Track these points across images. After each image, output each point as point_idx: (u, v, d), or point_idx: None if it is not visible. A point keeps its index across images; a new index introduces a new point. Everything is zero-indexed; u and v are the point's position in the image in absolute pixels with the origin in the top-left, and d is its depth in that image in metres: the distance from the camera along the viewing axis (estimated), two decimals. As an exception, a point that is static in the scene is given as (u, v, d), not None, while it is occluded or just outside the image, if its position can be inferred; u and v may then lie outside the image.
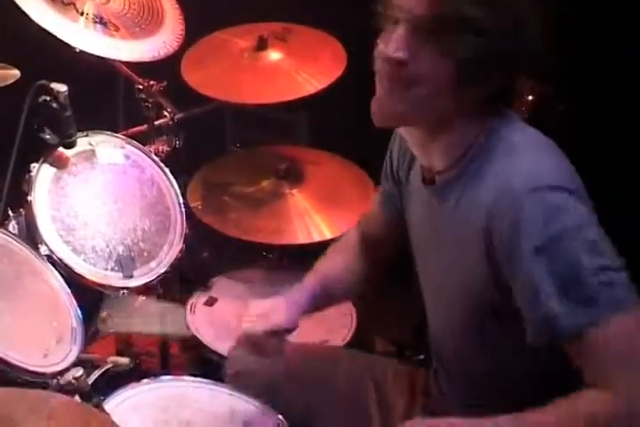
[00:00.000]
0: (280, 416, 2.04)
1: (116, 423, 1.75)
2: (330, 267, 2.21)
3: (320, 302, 2.16)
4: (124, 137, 2.66)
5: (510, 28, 1.62)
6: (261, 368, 2.13)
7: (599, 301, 1.58)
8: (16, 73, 2.21)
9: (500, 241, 1.65)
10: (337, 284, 2.18)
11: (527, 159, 1.67)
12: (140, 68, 2.88)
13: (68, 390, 1.94)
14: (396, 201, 2.05)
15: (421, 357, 2.78)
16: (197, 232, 2.70)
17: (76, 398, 1.95)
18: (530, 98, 2.93)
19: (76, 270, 2.31)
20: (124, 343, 2.69)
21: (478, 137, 1.73)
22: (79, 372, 1.96)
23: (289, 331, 2.08)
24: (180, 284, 2.74)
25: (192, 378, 2.14)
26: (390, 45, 1.66)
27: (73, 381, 1.94)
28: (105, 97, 3.18)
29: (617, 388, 1.58)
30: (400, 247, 2.12)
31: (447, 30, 1.61)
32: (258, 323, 2.06)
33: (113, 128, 2.71)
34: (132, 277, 2.40)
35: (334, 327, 2.63)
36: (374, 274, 2.23)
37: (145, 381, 2.07)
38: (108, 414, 1.89)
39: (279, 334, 2.06)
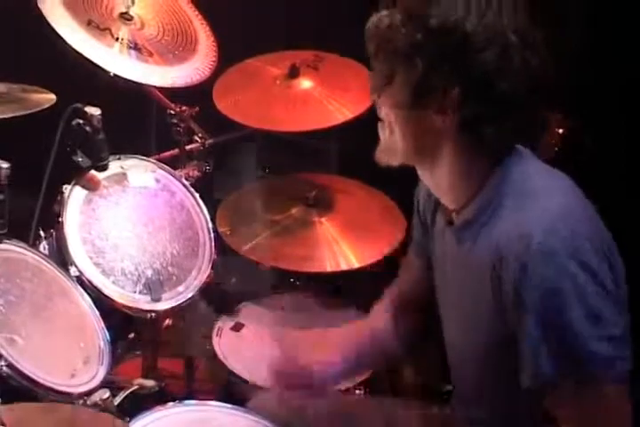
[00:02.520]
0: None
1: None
2: (375, 328, 2.15)
3: (363, 362, 2.14)
4: (155, 161, 2.68)
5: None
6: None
7: (588, 366, 1.60)
8: (52, 97, 2.23)
9: (508, 290, 1.66)
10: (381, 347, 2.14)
11: (538, 213, 1.66)
12: (173, 93, 2.90)
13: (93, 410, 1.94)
14: (425, 246, 2.04)
15: (449, 387, 2.76)
16: (225, 258, 2.70)
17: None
18: (560, 131, 2.93)
19: (104, 292, 2.31)
20: (150, 366, 2.68)
21: (489, 178, 1.73)
22: (106, 393, 1.96)
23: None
24: (207, 309, 2.74)
25: (216, 403, 2.13)
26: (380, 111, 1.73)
27: (99, 402, 1.94)
28: (137, 121, 3.21)
29: None
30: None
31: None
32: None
33: (144, 152, 2.72)
34: (159, 300, 2.40)
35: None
36: (412, 330, 2.20)
37: (170, 404, 2.07)
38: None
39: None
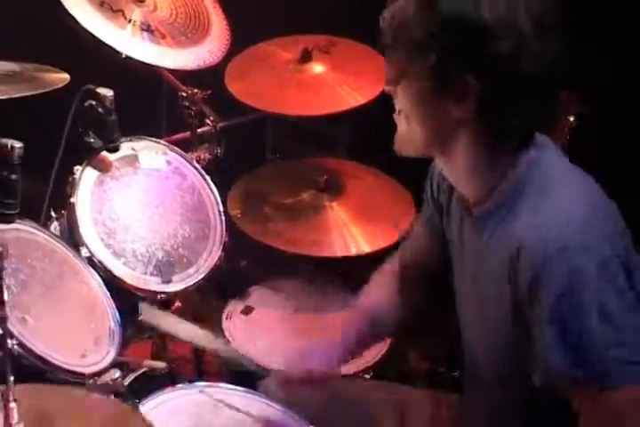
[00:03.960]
0: (313, 427, 2.03)
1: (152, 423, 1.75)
2: (373, 303, 2.17)
3: (363, 340, 2.14)
4: (166, 143, 2.67)
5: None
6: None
7: (603, 371, 1.59)
8: (66, 77, 2.23)
9: (523, 285, 1.65)
10: (381, 322, 2.15)
11: (557, 209, 1.65)
12: (185, 76, 2.90)
13: (104, 391, 1.94)
14: (437, 225, 2.04)
15: (455, 373, 2.77)
16: (236, 241, 2.70)
17: (112, 398, 1.96)
18: (572, 119, 2.92)
19: (115, 273, 2.32)
20: (160, 348, 2.68)
21: (508, 170, 1.71)
22: (117, 374, 1.96)
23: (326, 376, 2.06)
24: (217, 292, 2.74)
25: (226, 385, 2.13)
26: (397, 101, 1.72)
27: (110, 382, 1.94)
28: (148, 104, 3.20)
29: None
30: (440, 268, 2.11)
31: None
32: (291, 367, 2.06)
33: (154, 134, 2.72)
34: (170, 282, 2.40)
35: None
36: (418, 302, 2.20)
37: (180, 386, 2.07)
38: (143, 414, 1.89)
39: (315, 377, 2.05)
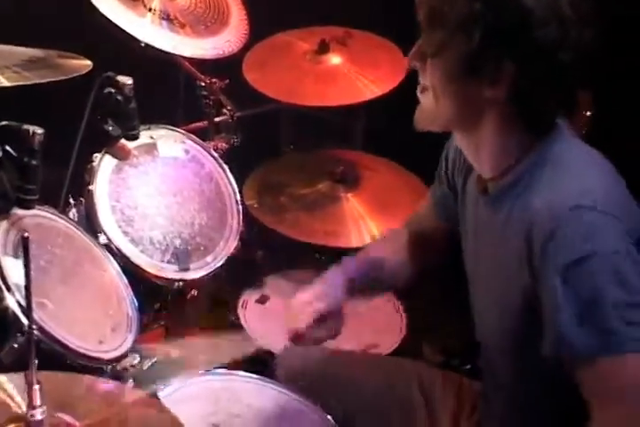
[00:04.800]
0: (329, 417, 2.04)
1: (170, 410, 1.75)
2: (379, 252, 2.19)
3: (365, 284, 2.12)
4: (184, 132, 2.68)
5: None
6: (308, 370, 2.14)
7: (617, 334, 1.57)
8: (88, 64, 2.23)
9: (537, 251, 1.65)
10: (384, 269, 2.15)
11: (576, 177, 1.67)
12: (203, 65, 2.90)
13: (123, 376, 1.95)
14: (448, 203, 2.04)
15: (468, 366, 2.77)
16: (252, 231, 2.71)
17: (130, 384, 1.97)
18: (588, 114, 2.92)
19: (133, 261, 2.32)
20: (173, 335, 2.68)
21: (531, 148, 1.72)
22: (136, 359, 1.97)
23: (334, 315, 2.04)
24: (233, 281, 2.75)
25: (244, 373, 2.14)
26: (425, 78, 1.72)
27: (130, 367, 1.95)
28: (165, 92, 3.21)
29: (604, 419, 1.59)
30: (448, 250, 2.12)
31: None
32: (301, 315, 2.03)
33: (172, 123, 2.73)
34: (187, 270, 2.40)
35: (385, 332, 2.63)
36: (421, 271, 2.21)
37: (200, 372, 2.08)
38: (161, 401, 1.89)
39: (325, 319, 2.02)
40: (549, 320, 1.63)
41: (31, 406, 1.43)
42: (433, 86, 1.71)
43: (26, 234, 1.39)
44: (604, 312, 1.57)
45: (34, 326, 1.80)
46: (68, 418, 1.51)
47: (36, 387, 1.43)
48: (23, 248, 1.35)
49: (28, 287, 1.41)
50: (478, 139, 1.75)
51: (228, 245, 2.50)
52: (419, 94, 1.76)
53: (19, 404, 1.51)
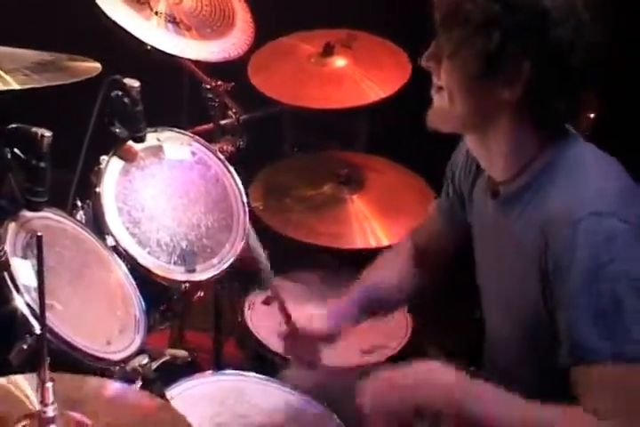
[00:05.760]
0: (336, 416, 2.05)
1: (177, 411, 1.76)
2: (379, 275, 2.22)
3: (369, 309, 2.18)
4: (191, 134, 2.69)
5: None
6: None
7: (635, 341, 1.58)
8: (97, 66, 2.24)
9: (553, 257, 1.65)
10: (386, 292, 2.20)
11: (591, 182, 1.67)
12: (209, 68, 2.92)
13: (132, 376, 1.96)
14: (455, 213, 2.05)
15: (472, 368, 2.78)
16: (257, 233, 2.71)
17: (139, 385, 1.98)
18: (592, 115, 2.93)
19: (140, 262, 2.33)
20: (177, 338, 2.70)
21: (542, 151, 1.73)
22: (145, 359, 1.98)
23: (329, 340, 2.09)
24: (239, 282, 2.76)
25: (253, 374, 2.15)
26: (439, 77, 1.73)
27: (139, 368, 1.96)
28: (171, 95, 3.23)
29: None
30: (455, 258, 2.13)
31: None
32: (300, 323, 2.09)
33: (177, 126, 2.74)
34: (194, 271, 2.41)
35: (390, 333, 2.65)
36: (429, 283, 2.23)
37: (208, 373, 2.09)
38: (168, 401, 1.91)
39: (320, 341, 2.09)
40: (565, 326, 1.64)
41: (44, 403, 1.44)
42: (448, 87, 1.72)
43: (39, 233, 1.41)
44: (622, 319, 1.58)
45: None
46: (78, 416, 1.52)
47: (49, 385, 1.44)
48: (37, 247, 1.37)
49: (40, 286, 1.42)
50: (490, 140, 1.76)
51: (234, 247, 2.51)
52: (433, 94, 1.76)
53: (32, 402, 1.52)
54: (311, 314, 2.13)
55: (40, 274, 1.37)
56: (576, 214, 1.62)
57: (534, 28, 1.62)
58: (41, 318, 1.45)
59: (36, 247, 1.33)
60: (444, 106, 1.74)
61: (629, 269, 1.59)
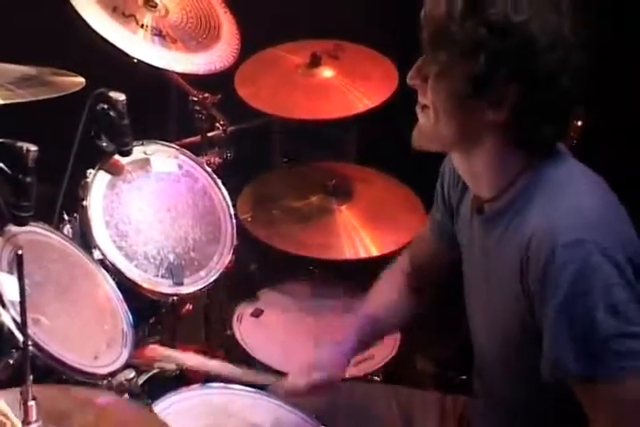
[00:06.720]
0: (324, 428, 2.05)
1: (165, 423, 1.76)
2: (378, 304, 2.20)
3: (369, 340, 2.18)
4: (177, 147, 2.69)
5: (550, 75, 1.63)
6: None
7: (613, 362, 1.59)
8: (81, 81, 2.24)
9: (532, 281, 1.66)
10: (384, 322, 2.19)
11: (571, 204, 1.66)
12: (195, 80, 2.92)
13: (118, 390, 1.96)
14: (446, 228, 2.05)
15: (464, 377, 2.78)
16: (246, 244, 2.72)
17: (125, 398, 1.98)
18: (579, 124, 2.93)
19: (127, 275, 2.33)
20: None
21: (526, 170, 1.72)
22: (131, 374, 1.98)
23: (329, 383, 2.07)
24: (227, 295, 2.76)
25: (239, 387, 2.14)
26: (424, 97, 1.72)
27: (125, 382, 1.96)
28: (158, 108, 3.23)
29: None
30: (449, 272, 2.13)
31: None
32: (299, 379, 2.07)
33: (165, 138, 2.74)
34: (181, 284, 2.41)
35: (379, 343, 2.63)
36: (423, 301, 2.23)
37: (194, 386, 2.09)
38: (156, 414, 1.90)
39: (323, 386, 2.06)
40: (547, 345, 1.65)
41: (26, 421, 1.44)
42: (434, 106, 1.70)
43: (20, 251, 1.41)
44: (599, 344, 1.59)
45: (29, 342, 1.83)
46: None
47: (32, 403, 1.44)
48: (17, 265, 1.36)
49: (22, 304, 1.42)
50: (476, 160, 1.75)
51: (222, 260, 2.51)
52: (418, 113, 1.75)
53: (12, 420, 1.51)
54: (308, 365, 2.09)
55: (22, 292, 1.37)
56: (554, 242, 1.61)
57: (521, 54, 1.60)
58: (23, 336, 1.45)
59: (17, 265, 1.32)
60: (429, 125, 1.72)
61: (605, 300, 1.59)
